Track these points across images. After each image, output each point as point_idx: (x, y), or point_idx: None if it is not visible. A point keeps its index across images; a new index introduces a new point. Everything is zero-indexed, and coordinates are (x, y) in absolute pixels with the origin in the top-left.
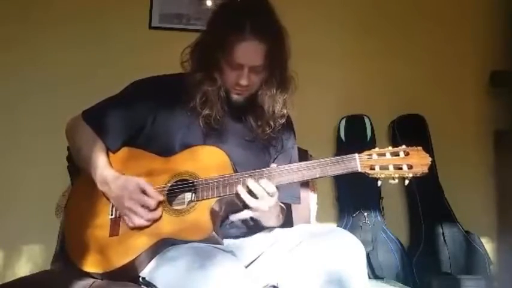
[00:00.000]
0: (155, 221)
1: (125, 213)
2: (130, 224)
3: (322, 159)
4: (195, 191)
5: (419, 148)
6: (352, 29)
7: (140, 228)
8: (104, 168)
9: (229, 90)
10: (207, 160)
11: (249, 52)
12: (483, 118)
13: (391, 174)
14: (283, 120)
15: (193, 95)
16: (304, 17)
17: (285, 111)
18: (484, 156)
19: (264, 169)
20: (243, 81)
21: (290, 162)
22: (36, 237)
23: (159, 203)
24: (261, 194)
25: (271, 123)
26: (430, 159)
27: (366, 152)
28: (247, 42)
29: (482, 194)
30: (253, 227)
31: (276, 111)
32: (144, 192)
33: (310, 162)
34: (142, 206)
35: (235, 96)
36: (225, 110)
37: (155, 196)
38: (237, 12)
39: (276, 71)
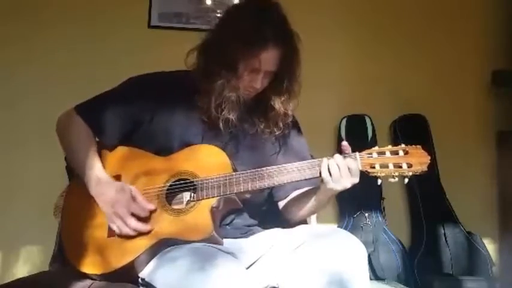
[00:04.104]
0: (147, 218)
1: (113, 220)
2: (117, 231)
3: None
4: (194, 191)
5: (419, 146)
6: (353, 29)
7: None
8: (99, 171)
9: (241, 92)
10: (207, 159)
11: (269, 59)
12: (485, 118)
13: (391, 173)
14: (290, 120)
15: (206, 96)
16: (306, 17)
17: (291, 112)
18: (486, 156)
19: (263, 168)
20: (258, 85)
21: (295, 154)
22: (34, 238)
23: (150, 215)
24: (337, 173)
25: (281, 124)
26: (429, 157)
27: (366, 151)
28: (269, 50)
29: (484, 194)
30: (254, 227)
31: (287, 115)
32: (134, 200)
33: (311, 160)
34: (133, 214)
35: (244, 97)
36: (242, 114)
37: (145, 206)
38: (259, 20)
39: (292, 77)
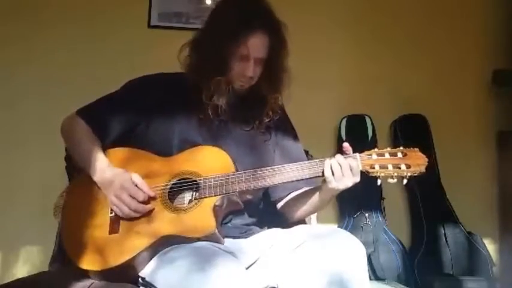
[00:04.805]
0: (148, 216)
1: (113, 201)
2: (118, 212)
3: (324, 158)
4: (196, 189)
5: (416, 149)
6: (353, 28)
7: (139, 225)
8: (104, 160)
9: (234, 81)
10: (209, 160)
11: (257, 45)
12: (485, 118)
13: (390, 173)
14: (278, 109)
15: (198, 91)
16: (305, 17)
17: (281, 102)
18: (486, 156)
19: (265, 168)
20: (250, 73)
21: (290, 155)
22: (34, 238)
23: (150, 199)
24: (339, 172)
25: (270, 113)
26: (426, 159)
27: (366, 152)
28: (256, 36)
29: (485, 194)
30: (254, 228)
31: (277, 103)
32: (135, 185)
33: (312, 160)
34: (131, 196)
35: (238, 88)
36: (232, 101)
37: (146, 190)
38: (244, 8)
39: (281, 66)
